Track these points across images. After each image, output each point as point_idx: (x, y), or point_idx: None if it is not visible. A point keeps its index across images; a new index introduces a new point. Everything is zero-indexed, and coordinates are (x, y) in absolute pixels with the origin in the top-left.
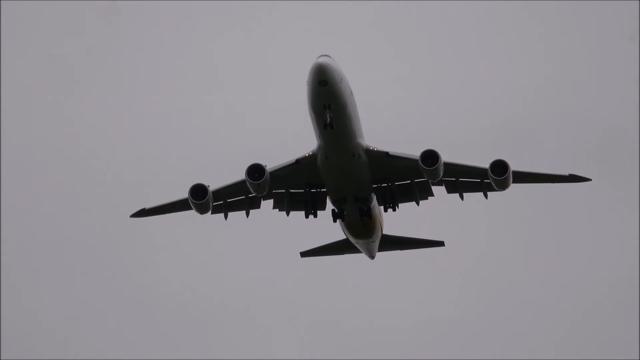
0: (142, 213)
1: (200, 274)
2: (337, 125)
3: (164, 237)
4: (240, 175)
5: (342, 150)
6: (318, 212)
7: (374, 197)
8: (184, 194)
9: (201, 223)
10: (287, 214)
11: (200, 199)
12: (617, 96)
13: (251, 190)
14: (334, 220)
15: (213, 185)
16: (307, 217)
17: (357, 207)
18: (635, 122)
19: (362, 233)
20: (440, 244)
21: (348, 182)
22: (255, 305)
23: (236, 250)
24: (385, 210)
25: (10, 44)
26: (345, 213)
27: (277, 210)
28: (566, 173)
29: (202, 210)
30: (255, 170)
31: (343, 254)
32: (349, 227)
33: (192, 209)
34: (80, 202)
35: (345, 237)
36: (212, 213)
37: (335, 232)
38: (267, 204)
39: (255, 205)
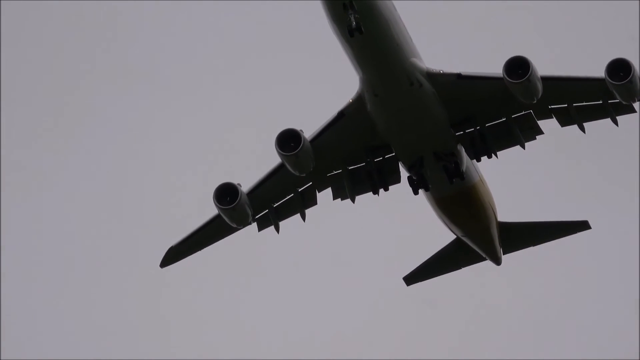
0: (173, 255)
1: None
2: (368, 27)
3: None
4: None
5: (390, 74)
6: (391, 187)
7: (462, 151)
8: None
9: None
10: (352, 199)
11: (230, 203)
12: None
13: (289, 168)
14: (415, 192)
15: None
16: (375, 192)
17: (441, 167)
18: (635, 122)
19: (462, 211)
20: (584, 226)
21: (416, 129)
22: None
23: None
24: (479, 160)
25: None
26: (426, 179)
27: (340, 200)
28: None
29: (237, 219)
30: (289, 138)
31: (459, 266)
32: (441, 205)
33: (227, 230)
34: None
35: (454, 238)
36: (259, 228)
37: (431, 225)
38: (325, 198)
39: (310, 201)
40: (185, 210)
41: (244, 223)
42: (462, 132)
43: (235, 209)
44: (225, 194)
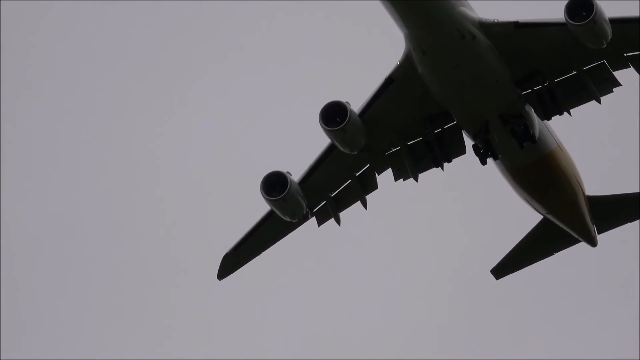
0: (229, 264)
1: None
2: None
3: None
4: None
5: (437, 26)
6: (455, 158)
7: (532, 112)
8: None
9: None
10: (415, 178)
11: (280, 192)
12: (617, 97)
13: (339, 145)
14: (483, 162)
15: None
16: (437, 165)
17: (509, 131)
18: (635, 122)
19: (542, 182)
20: None
21: (475, 89)
22: None
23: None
24: (549, 118)
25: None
26: (494, 146)
27: (402, 180)
28: None
29: (290, 211)
30: (335, 112)
31: (550, 252)
32: (517, 177)
33: (285, 228)
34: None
35: (540, 219)
36: (318, 223)
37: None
38: (385, 181)
39: (370, 185)
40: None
41: (297, 215)
42: (529, 91)
43: (286, 199)
44: (274, 184)
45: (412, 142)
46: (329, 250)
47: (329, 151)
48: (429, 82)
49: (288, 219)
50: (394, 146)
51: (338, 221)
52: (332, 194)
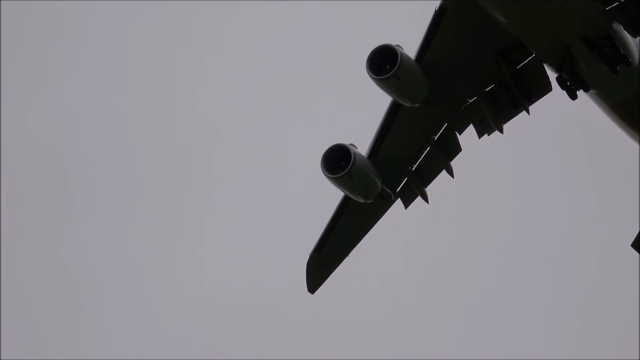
0: (316, 270)
1: None
2: None
3: None
4: None
5: None
6: (540, 98)
7: (621, 30)
8: None
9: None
10: (500, 129)
11: (343, 169)
12: None
13: (394, 95)
14: (572, 96)
15: None
16: (517, 107)
17: (597, 55)
18: None
19: None
20: None
21: (548, 8)
22: None
23: None
24: None
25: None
26: (582, 76)
27: (487, 135)
28: None
29: (361, 189)
30: (383, 58)
31: None
32: (622, 114)
33: (369, 215)
34: None
35: None
36: (405, 204)
37: None
38: (468, 140)
39: (452, 148)
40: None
41: (371, 193)
42: (614, 5)
43: (352, 174)
44: (337, 160)
45: (488, 88)
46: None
47: (393, 111)
48: (490, 6)
49: (361, 199)
50: (469, 96)
51: (426, 198)
52: (411, 166)
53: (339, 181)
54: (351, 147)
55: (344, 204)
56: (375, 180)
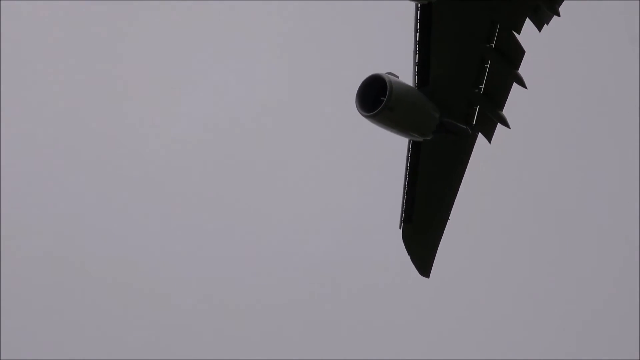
0: (416, 242)
1: None
2: None
3: None
4: None
5: None
6: None
7: None
8: None
9: None
10: (557, 12)
11: (377, 106)
12: (617, 99)
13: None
14: None
15: None
16: None
17: None
18: (635, 125)
19: None
20: None
21: None
22: None
23: None
24: None
25: None
26: None
27: (546, 26)
28: None
29: (409, 124)
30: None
31: None
32: None
33: (447, 163)
34: None
35: None
36: (488, 138)
37: None
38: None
39: (514, 51)
40: None
41: (427, 127)
42: None
43: (392, 107)
44: (377, 97)
45: None
46: None
47: (426, 12)
48: None
49: (417, 137)
50: None
51: (506, 123)
52: (477, 89)
53: (379, 118)
54: (387, 76)
55: (415, 151)
56: (428, 110)
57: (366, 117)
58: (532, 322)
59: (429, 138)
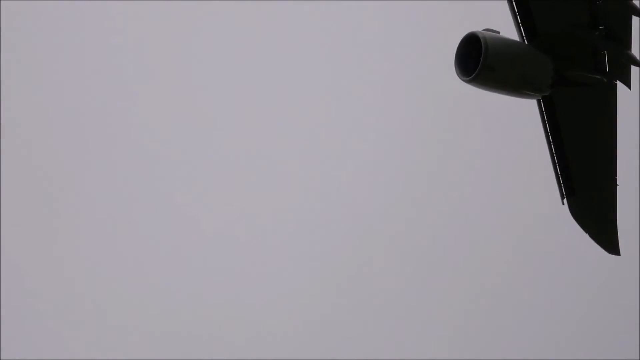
0: (587, 218)
1: None
2: None
3: None
4: None
5: None
6: None
7: None
8: None
9: None
10: None
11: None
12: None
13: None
14: None
15: None
16: None
17: None
18: (635, 127)
19: None
20: None
21: None
22: None
23: None
24: None
25: None
26: None
27: None
28: None
29: (519, 83)
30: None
31: None
32: None
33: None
34: None
35: None
36: (625, 82)
37: None
38: None
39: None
40: None
41: (541, 81)
42: None
43: (492, 66)
44: (477, 57)
45: None
46: None
47: None
48: None
49: (533, 95)
50: None
51: (637, 63)
52: (598, 31)
53: (480, 80)
54: (483, 32)
55: (551, 114)
56: (537, 63)
57: (466, 81)
58: (532, 322)
59: (547, 94)
